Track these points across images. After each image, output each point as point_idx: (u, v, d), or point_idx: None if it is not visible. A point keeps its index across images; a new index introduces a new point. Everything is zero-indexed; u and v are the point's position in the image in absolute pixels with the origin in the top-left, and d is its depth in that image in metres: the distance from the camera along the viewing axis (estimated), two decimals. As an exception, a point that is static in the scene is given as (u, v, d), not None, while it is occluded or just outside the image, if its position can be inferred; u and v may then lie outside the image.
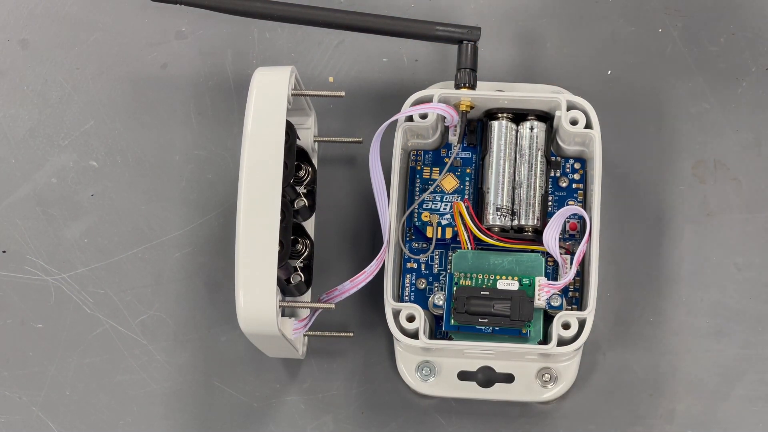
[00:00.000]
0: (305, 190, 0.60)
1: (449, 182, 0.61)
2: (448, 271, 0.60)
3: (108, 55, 0.68)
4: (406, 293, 0.61)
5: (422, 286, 0.60)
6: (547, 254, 0.58)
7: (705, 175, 0.65)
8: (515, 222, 0.59)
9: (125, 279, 0.65)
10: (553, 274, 0.60)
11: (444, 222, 0.60)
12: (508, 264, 0.58)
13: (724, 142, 0.65)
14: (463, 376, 0.60)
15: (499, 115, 0.60)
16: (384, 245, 0.57)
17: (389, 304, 0.57)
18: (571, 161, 0.61)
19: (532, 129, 0.60)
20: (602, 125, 0.59)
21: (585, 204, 0.61)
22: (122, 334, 0.64)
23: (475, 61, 0.60)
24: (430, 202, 0.61)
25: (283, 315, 0.56)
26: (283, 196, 0.53)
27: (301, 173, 0.59)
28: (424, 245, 0.61)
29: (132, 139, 0.67)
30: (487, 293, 0.56)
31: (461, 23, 0.61)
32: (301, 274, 0.58)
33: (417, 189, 0.61)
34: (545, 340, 0.57)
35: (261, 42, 0.68)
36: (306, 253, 0.59)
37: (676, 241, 0.64)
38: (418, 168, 0.62)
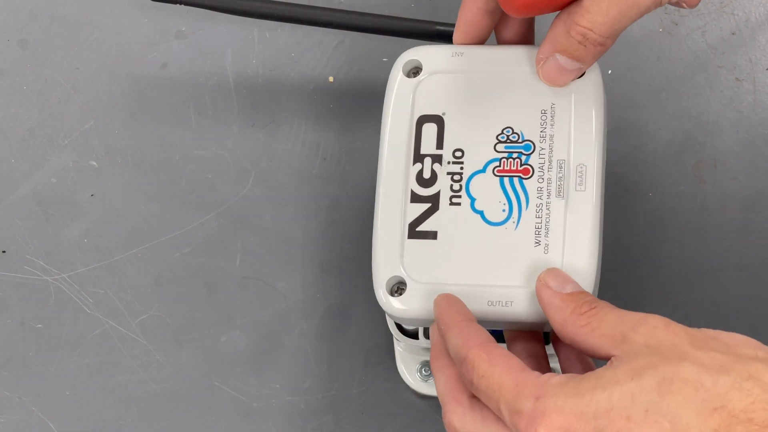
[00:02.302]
0: None
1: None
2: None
3: (108, 55, 0.68)
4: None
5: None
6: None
7: (705, 175, 0.65)
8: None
9: (125, 279, 0.65)
10: (553, 274, 0.60)
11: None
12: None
13: (724, 142, 0.65)
14: None
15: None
16: None
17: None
18: (572, 161, 0.61)
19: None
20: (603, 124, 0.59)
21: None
22: (122, 334, 0.64)
23: (475, 61, 0.60)
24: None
25: None
26: None
27: None
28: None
29: (132, 139, 0.67)
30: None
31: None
32: None
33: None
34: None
35: (261, 42, 0.68)
36: None
37: (676, 241, 0.64)
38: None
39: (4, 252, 0.65)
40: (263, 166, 0.66)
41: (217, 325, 0.64)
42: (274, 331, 0.64)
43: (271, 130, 0.66)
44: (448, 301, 0.48)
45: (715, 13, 0.67)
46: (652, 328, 0.42)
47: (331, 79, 0.67)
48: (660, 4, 0.47)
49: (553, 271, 0.48)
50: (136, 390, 0.63)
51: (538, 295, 0.47)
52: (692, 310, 0.63)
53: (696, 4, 0.49)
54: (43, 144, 0.67)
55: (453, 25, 0.60)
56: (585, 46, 0.48)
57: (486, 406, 0.45)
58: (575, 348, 0.46)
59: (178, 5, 0.61)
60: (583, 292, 0.46)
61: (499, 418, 0.44)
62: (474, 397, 0.46)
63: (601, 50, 0.48)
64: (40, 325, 0.64)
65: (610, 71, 0.66)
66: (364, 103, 0.66)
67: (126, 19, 0.69)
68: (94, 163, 0.67)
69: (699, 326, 0.63)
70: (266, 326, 0.64)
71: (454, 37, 0.53)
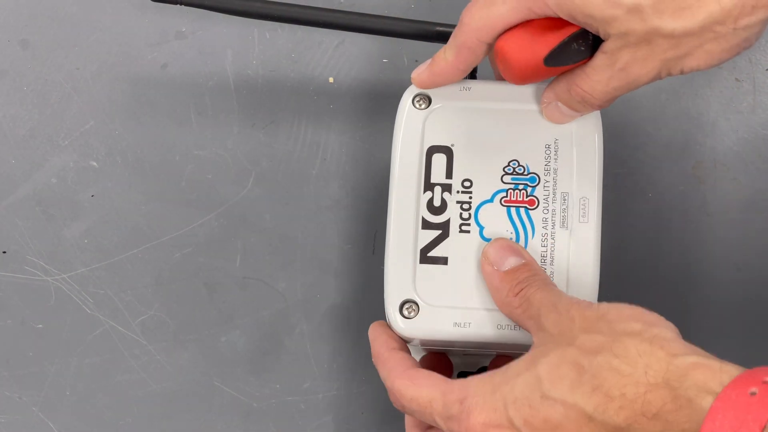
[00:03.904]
0: None
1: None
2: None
3: (108, 55, 0.68)
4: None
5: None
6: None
7: (705, 175, 0.65)
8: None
9: (125, 279, 0.65)
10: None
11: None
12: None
13: (724, 142, 0.65)
14: (464, 376, 0.60)
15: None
16: None
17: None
18: (572, 161, 0.62)
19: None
20: (602, 125, 0.59)
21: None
22: (122, 335, 0.64)
23: (475, 61, 0.60)
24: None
25: None
26: None
27: None
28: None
29: (132, 139, 0.67)
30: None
31: (461, 23, 0.61)
32: None
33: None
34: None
35: (261, 42, 0.68)
36: None
37: (676, 242, 0.64)
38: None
39: (4, 252, 0.65)
40: (263, 166, 0.66)
41: (217, 325, 0.64)
42: (274, 331, 0.64)
43: (271, 130, 0.66)
44: (375, 334, 0.53)
45: (715, 13, 0.67)
46: (557, 314, 0.47)
47: (331, 79, 0.67)
48: (659, 78, 0.50)
49: (495, 245, 0.52)
50: (136, 390, 0.63)
51: (484, 276, 0.52)
52: (692, 310, 0.63)
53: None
54: (43, 144, 0.67)
55: (453, 26, 0.60)
56: (582, 105, 0.52)
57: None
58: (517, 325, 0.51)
59: (178, 5, 0.61)
60: (518, 269, 0.51)
61: None
62: (427, 429, 0.52)
63: (597, 109, 0.53)
64: (40, 325, 0.64)
65: (610, 71, 0.66)
66: (363, 104, 0.66)
67: (126, 20, 0.69)
68: (95, 164, 0.67)
69: (697, 326, 0.63)
70: (266, 326, 0.64)
71: (420, 80, 0.55)
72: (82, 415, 0.63)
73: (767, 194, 0.64)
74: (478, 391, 0.47)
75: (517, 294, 0.50)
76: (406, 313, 0.53)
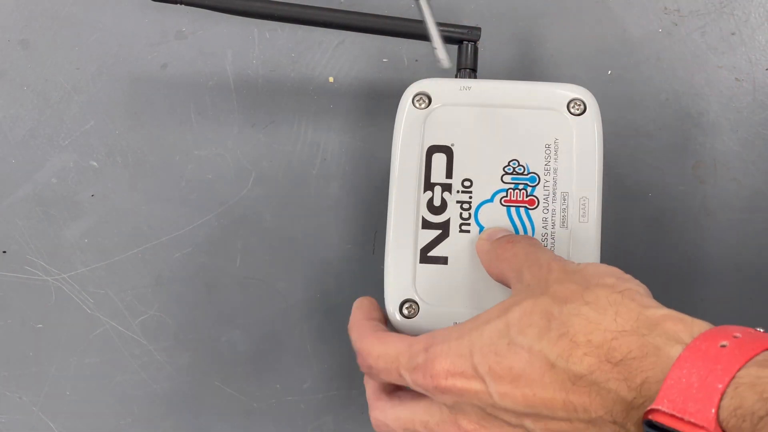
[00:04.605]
0: None
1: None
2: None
3: (108, 55, 0.68)
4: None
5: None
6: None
7: (705, 175, 0.65)
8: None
9: (125, 279, 0.65)
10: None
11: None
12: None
13: (724, 142, 0.65)
14: None
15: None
16: None
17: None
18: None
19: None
20: (602, 125, 0.59)
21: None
22: (122, 334, 0.64)
23: (475, 62, 0.60)
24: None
25: None
26: None
27: None
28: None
29: (132, 139, 0.67)
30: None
31: (461, 23, 0.61)
32: None
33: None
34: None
35: (261, 42, 0.68)
36: None
37: (675, 241, 0.64)
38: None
39: (4, 252, 0.65)
40: (263, 166, 0.66)
41: (217, 325, 0.64)
42: (274, 331, 0.64)
43: (271, 130, 0.66)
44: (358, 304, 0.54)
45: (715, 14, 0.67)
46: (538, 267, 0.47)
47: (331, 79, 0.67)
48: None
49: (489, 229, 0.53)
50: (136, 390, 0.63)
51: (477, 251, 0.52)
52: (692, 310, 0.63)
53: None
54: (43, 144, 0.67)
55: (453, 26, 0.60)
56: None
57: (402, 395, 0.49)
58: (503, 284, 0.50)
59: (178, 5, 0.61)
60: (509, 234, 0.52)
61: (413, 398, 0.48)
62: (391, 393, 0.50)
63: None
64: (40, 325, 0.64)
65: (610, 71, 0.66)
66: (363, 103, 0.66)
67: (126, 19, 0.69)
68: (95, 164, 0.67)
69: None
70: (266, 326, 0.64)
71: None
72: (82, 415, 0.63)
73: (767, 194, 0.64)
74: (444, 338, 0.46)
75: (505, 249, 0.50)
76: (406, 312, 0.53)
